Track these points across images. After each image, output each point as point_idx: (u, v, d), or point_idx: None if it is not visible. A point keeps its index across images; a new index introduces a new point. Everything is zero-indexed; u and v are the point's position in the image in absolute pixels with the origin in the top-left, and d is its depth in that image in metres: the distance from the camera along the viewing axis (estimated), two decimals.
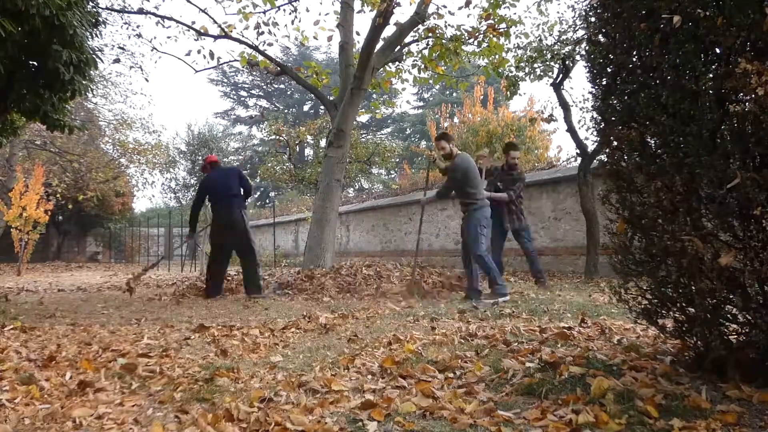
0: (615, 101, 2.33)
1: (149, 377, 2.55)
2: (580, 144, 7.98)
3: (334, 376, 2.47)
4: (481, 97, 18.10)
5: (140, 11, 9.18)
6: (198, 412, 2.01)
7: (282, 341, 3.42)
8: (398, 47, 9.17)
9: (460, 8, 9.36)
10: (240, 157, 32.60)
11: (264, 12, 9.53)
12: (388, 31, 8.55)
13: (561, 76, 8.08)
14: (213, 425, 1.87)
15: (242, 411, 1.98)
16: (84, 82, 5.20)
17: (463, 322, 3.96)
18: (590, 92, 2.48)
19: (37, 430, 1.91)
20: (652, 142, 2.19)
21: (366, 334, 3.60)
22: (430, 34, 9.18)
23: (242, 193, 6.58)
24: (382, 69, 9.41)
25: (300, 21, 44.49)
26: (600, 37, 2.43)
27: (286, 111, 36.32)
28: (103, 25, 5.65)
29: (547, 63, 8.02)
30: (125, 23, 11.95)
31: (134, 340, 3.44)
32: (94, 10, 5.43)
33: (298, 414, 1.96)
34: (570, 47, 7.72)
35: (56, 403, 2.15)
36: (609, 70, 2.36)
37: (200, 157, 12.65)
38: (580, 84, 67.54)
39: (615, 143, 2.36)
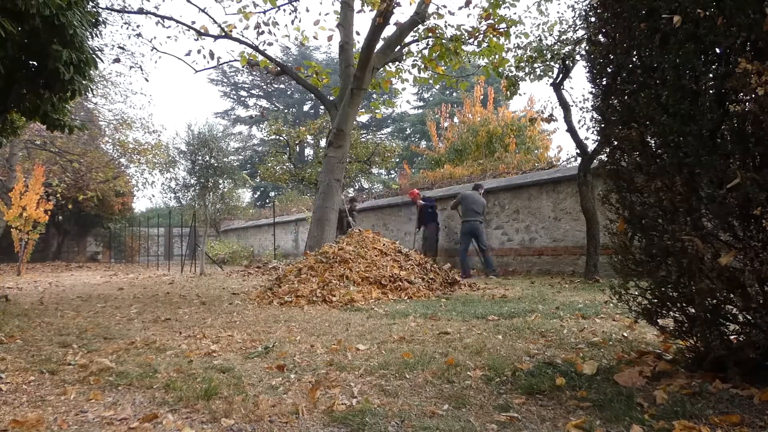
0: (615, 101, 2.33)
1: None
2: (580, 144, 7.98)
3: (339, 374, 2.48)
4: (481, 97, 18.10)
5: (140, 11, 9.19)
6: None
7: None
8: (398, 47, 9.18)
9: (460, 8, 9.37)
10: (240, 157, 32.60)
11: (264, 12, 9.55)
12: (388, 31, 8.58)
13: (561, 76, 8.08)
14: None
15: None
16: (84, 82, 5.18)
17: (462, 322, 3.96)
18: (590, 92, 2.48)
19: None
20: (652, 142, 2.19)
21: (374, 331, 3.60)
22: (430, 34, 9.18)
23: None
24: (382, 69, 9.42)
25: (300, 21, 44.58)
26: (600, 37, 2.43)
27: (286, 111, 36.32)
28: (103, 25, 5.64)
29: (547, 63, 8.02)
30: (125, 23, 11.93)
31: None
32: (94, 10, 5.42)
33: None
34: (570, 47, 7.72)
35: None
36: (609, 70, 2.36)
37: (200, 158, 12.60)
38: (580, 84, 67.60)
39: (615, 143, 2.36)
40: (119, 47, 17.18)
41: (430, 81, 10.72)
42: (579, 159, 8.30)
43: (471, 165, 14.25)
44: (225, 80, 36.71)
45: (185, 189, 13.12)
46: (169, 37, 20.82)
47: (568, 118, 8.06)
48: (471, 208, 9.02)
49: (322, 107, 23.13)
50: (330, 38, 13.66)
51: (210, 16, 11.79)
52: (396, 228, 13.58)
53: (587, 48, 2.56)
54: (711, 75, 2.00)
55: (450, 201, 11.85)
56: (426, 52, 9.54)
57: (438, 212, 11.03)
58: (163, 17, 9.25)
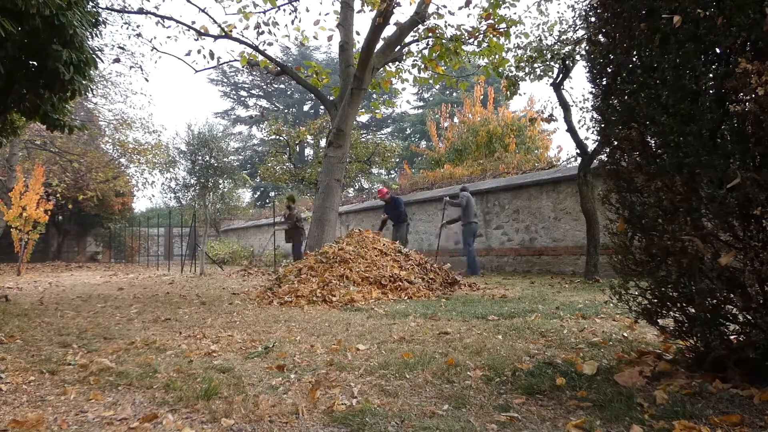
0: (615, 101, 2.33)
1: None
2: (580, 144, 7.98)
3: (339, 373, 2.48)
4: (481, 97, 18.10)
5: (140, 11, 9.18)
6: None
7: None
8: (398, 47, 9.17)
9: (460, 8, 9.37)
10: (240, 157, 32.58)
11: (264, 12, 9.54)
12: (388, 31, 8.57)
13: (561, 76, 8.07)
14: None
15: None
16: (84, 82, 5.18)
17: (462, 322, 3.96)
18: (590, 92, 2.49)
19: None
20: (652, 142, 2.19)
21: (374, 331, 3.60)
22: (430, 34, 9.18)
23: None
24: (382, 69, 9.42)
25: (300, 21, 44.57)
26: (600, 37, 2.43)
27: (286, 111, 36.32)
28: (103, 25, 5.63)
29: (547, 63, 8.01)
30: (125, 23, 11.98)
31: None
32: (94, 10, 5.42)
33: None
34: (570, 47, 7.72)
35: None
36: (609, 70, 2.36)
37: (200, 158, 12.60)
38: (580, 84, 67.63)
39: (615, 143, 2.36)
40: (119, 47, 17.22)
41: (430, 81, 10.71)
42: (579, 159, 8.31)
43: (471, 165, 14.25)
44: (225, 80, 36.73)
45: (185, 189, 13.12)
46: (169, 37, 20.80)
47: (568, 118, 8.06)
48: (473, 211, 9.41)
49: (322, 107, 23.14)
50: (330, 38, 13.64)
51: (210, 16, 11.79)
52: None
53: (587, 48, 2.56)
54: (711, 75, 2.00)
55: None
56: (426, 52, 9.53)
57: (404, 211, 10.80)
58: (163, 17, 9.25)
